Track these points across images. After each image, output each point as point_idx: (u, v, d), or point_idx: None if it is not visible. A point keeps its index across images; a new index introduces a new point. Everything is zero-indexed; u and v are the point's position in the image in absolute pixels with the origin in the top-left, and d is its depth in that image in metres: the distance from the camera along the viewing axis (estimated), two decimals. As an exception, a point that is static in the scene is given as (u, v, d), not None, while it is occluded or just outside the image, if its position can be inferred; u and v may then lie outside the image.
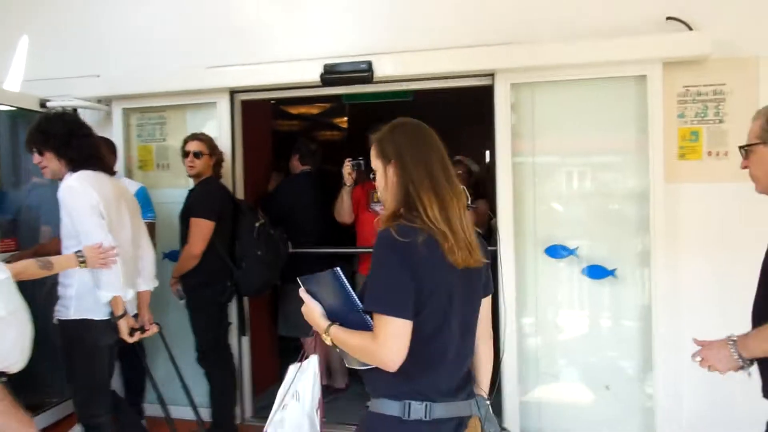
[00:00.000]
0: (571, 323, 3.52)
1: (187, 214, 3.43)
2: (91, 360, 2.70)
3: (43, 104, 3.80)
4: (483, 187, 4.35)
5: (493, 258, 3.50)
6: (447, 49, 3.43)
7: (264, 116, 4.76)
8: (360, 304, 1.54)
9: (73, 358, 2.68)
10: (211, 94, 3.83)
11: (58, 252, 2.70)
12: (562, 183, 3.51)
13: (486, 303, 1.75)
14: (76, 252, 2.50)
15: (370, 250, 1.57)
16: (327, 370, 4.27)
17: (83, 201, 2.56)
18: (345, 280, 1.56)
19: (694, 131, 3.27)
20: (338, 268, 1.56)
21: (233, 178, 3.88)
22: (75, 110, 3.88)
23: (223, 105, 3.85)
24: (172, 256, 3.78)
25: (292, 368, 1.86)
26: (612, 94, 3.37)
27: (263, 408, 3.72)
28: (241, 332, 3.79)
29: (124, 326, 2.67)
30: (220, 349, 3.60)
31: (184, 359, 3.59)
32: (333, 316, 1.62)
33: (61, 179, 2.67)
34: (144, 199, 3.64)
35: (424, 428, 1.53)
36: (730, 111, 3.20)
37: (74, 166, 2.65)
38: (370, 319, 1.52)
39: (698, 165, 3.26)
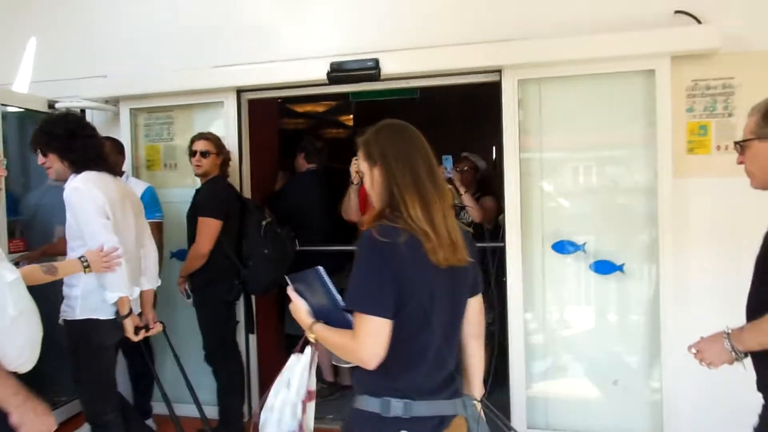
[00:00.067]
0: (579, 319, 3.51)
1: (194, 213, 3.44)
2: (97, 359, 2.72)
3: (51, 105, 3.82)
4: (490, 184, 4.33)
5: (501, 254, 3.53)
6: (454, 46, 3.42)
7: (270, 115, 4.76)
8: (342, 302, 1.58)
9: (80, 358, 2.70)
10: (218, 93, 3.84)
11: (65, 252, 2.72)
12: (570, 179, 3.50)
13: (475, 302, 1.77)
14: (80, 257, 2.51)
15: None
16: (334, 367, 4.27)
17: (89, 202, 2.57)
18: (327, 278, 1.60)
19: (702, 125, 3.24)
20: (320, 267, 1.61)
21: (240, 176, 3.88)
22: (83, 111, 3.91)
23: (230, 104, 3.85)
24: (180, 255, 3.80)
25: (293, 357, 1.90)
26: (620, 89, 3.35)
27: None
28: (249, 330, 3.80)
29: (129, 325, 2.70)
30: (227, 347, 3.61)
31: (192, 357, 3.61)
32: (318, 314, 1.66)
33: (65, 180, 2.68)
34: (152, 199, 3.66)
35: (403, 425, 1.56)
36: (739, 105, 3.16)
37: (77, 167, 2.66)
38: (352, 317, 1.54)
39: (707, 159, 3.24)
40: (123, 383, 3.65)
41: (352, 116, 6.94)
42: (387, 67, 3.46)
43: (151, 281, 2.96)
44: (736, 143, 1.84)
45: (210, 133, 3.56)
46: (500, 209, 3.69)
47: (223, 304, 3.53)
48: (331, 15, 3.73)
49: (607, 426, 3.39)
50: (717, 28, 3.06)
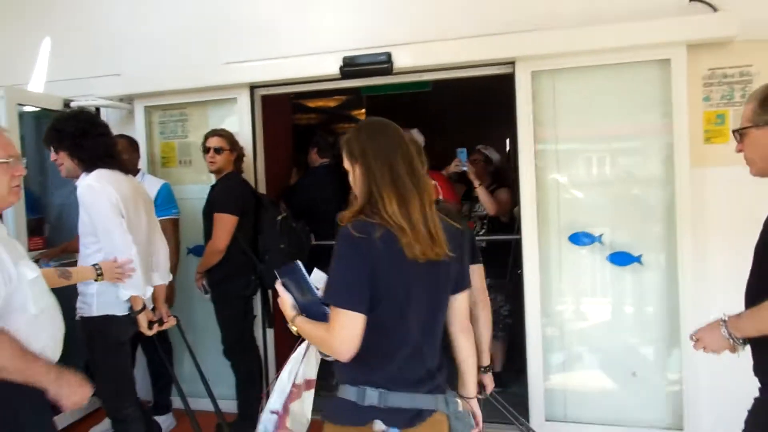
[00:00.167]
0: (596, 310, 3.50)
1: (210, 209, 3.46)
2: (114, 354, 2.75)
3: (67, 104, 3.85)
4: (505, 176, 4.32)
5: (517, 246, 3.51)
6: (466, 39, 3.41)
7: (284, 110, 4.77)
8: (319, 296, 1.63)
9: (97, 354, 2.73)
10: (232, 89, 3.86)
11: None
12: (586, 170, 3.47)
13: (462, 298, 1.80)
14: (94, 264, 2.53)
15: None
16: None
17: (103, 200, 2.58)
18: (304, 273, 1.66)
19: (720, 114, 3.21)
20: (299, 261, 1.66)
21: (255, 172, 3.90)
22: (98, 109, 3.94)
23: (244, 100, 3.87)
24: (197, 251, 3.83)
25: (301, 346, 1.95)
26: (635, 79, 3.31)
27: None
28: (267, 324, 3.83)
29: (143, 320, 2.73)
30: (245, 341, 3.64)
31: (210, 352, 3.64)
32: (302, 308, 1.71)
33: (76, 177, 2.70)
34: (167, 196, 3.69)
35: (378, 414, 1.60)
36: (757, 93, 3.13)
37: (87, 165, 2.67)
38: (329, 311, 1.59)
39: (724, 148, 3.19)
40: (143, 379, 3.69)
41: (363, 110, 6.94)
42: (399, 61, 3.45)
43: (162, 277, 2.99)
44: (734, 131, 1.86)
45: (223, 130, 3.58)
46: (515, 201, 3.68)
47: (241, 299, 3.56)
48: (343, 9, 3.73)
49: (627, 418, 3.38)
50: (734, 16, 3.02)
